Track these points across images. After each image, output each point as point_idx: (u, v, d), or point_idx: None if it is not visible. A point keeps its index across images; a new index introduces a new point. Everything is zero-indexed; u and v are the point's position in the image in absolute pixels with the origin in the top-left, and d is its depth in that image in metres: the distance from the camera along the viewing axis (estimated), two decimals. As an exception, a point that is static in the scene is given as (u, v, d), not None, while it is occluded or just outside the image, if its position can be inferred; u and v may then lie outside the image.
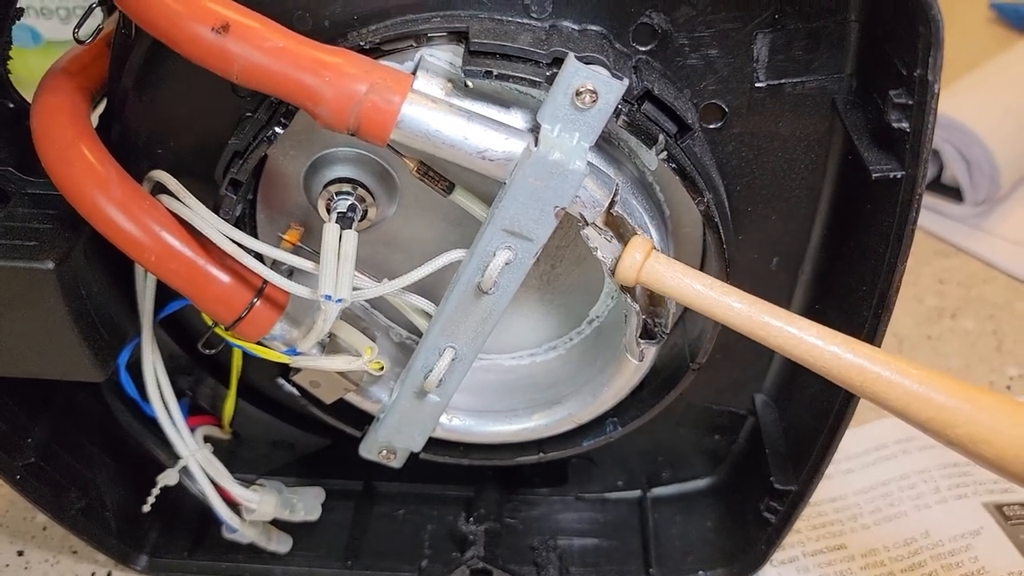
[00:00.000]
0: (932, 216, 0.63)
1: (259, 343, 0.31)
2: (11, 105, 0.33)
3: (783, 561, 0.40)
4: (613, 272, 0.29)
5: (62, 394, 0.37)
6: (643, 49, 0.28)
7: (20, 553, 0.39)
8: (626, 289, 0.30)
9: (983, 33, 0.92)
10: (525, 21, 0.27)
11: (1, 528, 0.40)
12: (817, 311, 0.34)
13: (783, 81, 0.29)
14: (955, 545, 0.40)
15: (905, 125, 0.26)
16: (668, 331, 0.31)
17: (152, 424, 0.37)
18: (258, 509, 0.35)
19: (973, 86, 0.66)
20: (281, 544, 0.38)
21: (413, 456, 0.36)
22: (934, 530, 0.41)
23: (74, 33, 0.30)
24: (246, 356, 0.36)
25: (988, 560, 0.39)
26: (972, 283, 0.58)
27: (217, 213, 0.30)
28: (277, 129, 0.28)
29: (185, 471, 0.36)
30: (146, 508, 0.37)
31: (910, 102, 0.25)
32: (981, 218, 0.62)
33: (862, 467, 0.44)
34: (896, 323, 0.54)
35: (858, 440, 0.45)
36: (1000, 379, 0.51)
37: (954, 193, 0.62)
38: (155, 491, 0.36)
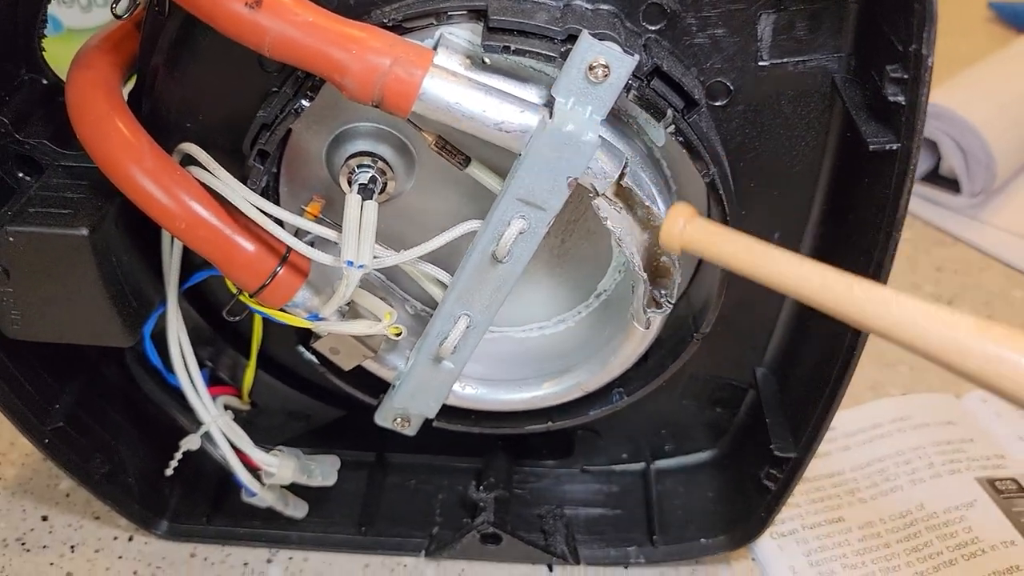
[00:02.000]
0: (930, 206, 0.64)
1: (282, 310, 0.33)
2: (45, 82, 0.35)
3: (783, 533, 0.41)
4: (620, 242, 0.30)
5: (87, 362, 0.38)
6: (652, 28, 0.29)
7: (44, 518, 0.41)
8: (652, 259, 0.30)
9: (982, 32, 0.93)
10: (540, 0, 0.29)
11: (26, 495, 0.42)
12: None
13: (785, 60, 0.30)
14: (949, 516, 0.41)
15: (901, 99, 0.27)
16: (673, 301, 0.32)
17: (174, 392, 0.39)
18: (277, 473, 0.37)
19: (971, 81, 0.67)
20: (297, 510, 0.39)
21: (426, 424, 0.37)
22: (928, 503, 0.42)
23: (112, 8, 0.31)
24: (266, 327, 0.38)
25: (981, 530, 0.41)
26: (969, 271, 0.59)
27: (245, 184, 0.31)
28: (304, 102, 0.30)
29: (206, 437, 0.37)
30: (169, 471, 0.38)
31: (906, 76, 0.27)
32: (978, 208, 0.63)
33: (858, 444, 0.45)
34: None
35: (855, 419, 0.47)
36: (994, 363, 0.52)
37: (952, 184, 0.64)
38: (178, 455, 0.37)
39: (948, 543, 0.40)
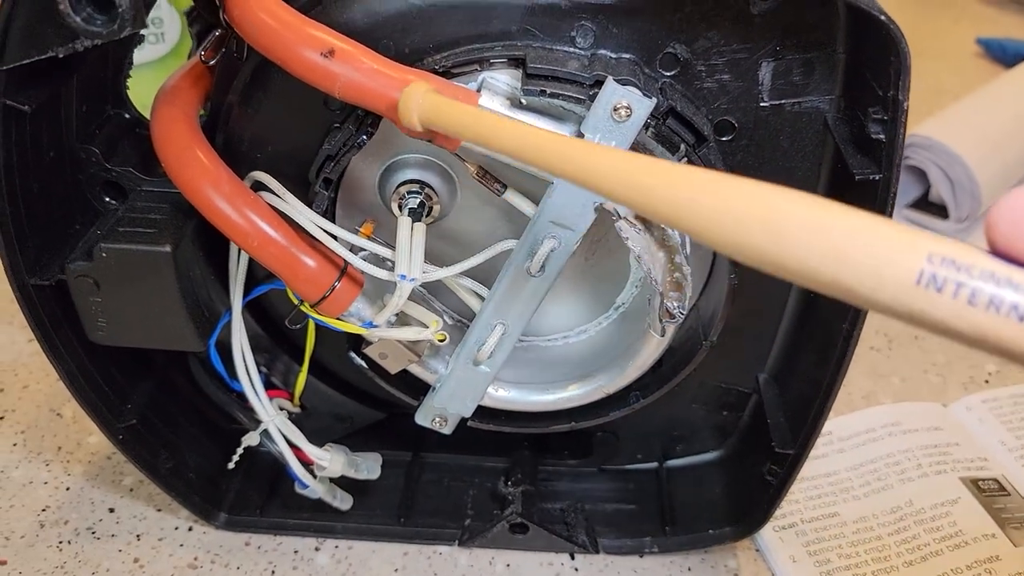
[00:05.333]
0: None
1: (338, 318, 0.37)
2: (127, 116, 0.39)
3: (783, 527, 0.45)
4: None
5: (156, 366, 0.43)
6: (668, 74, 0.34)
7: (111, 510, 0.45)
8: (667, 274, 0.34)
9: (971, 66, 0.98)
10: (571, 50, 0.33)
11: (94, 489, 0.45)
12: (810, 301, 0.39)
13: (783, 101, 0.34)
14: (935, 512, 0.45)
15: (882, 136, 0.31)
16: (685, 311, 0.36)
17: (233, 394, 0.43)
18: (328, 467, 0.41)
19: (958, 114, 0.72)
20: (344, 502, 0.43)
21: (462, 424, 0.41)
22: (917, 500, 0.46)
23: (200, 56, 0.36)
24: (318, 336, 0.42)
25: (964, 524, 0.44)
26: (956, 292, 0.63)
27: (310, 207, 0.35)
28: (364, 137, 0.34)
29: (265, 435, 0.41)
30: (231, 465, 0.42)
31: (886, 117, 0.31)
32: (965, 233, 0.68)
33: (853, 447, 0.49)
34: (886, 324, 0.59)
35: (850, 424, 0.51)
36: (979, 374, 0.56)
37: (940, 210, 0.68)
38: (239, 450, 0.42)
39: (934, 535, 0.44)
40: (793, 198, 0.18)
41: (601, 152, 0.21)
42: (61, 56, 0.30)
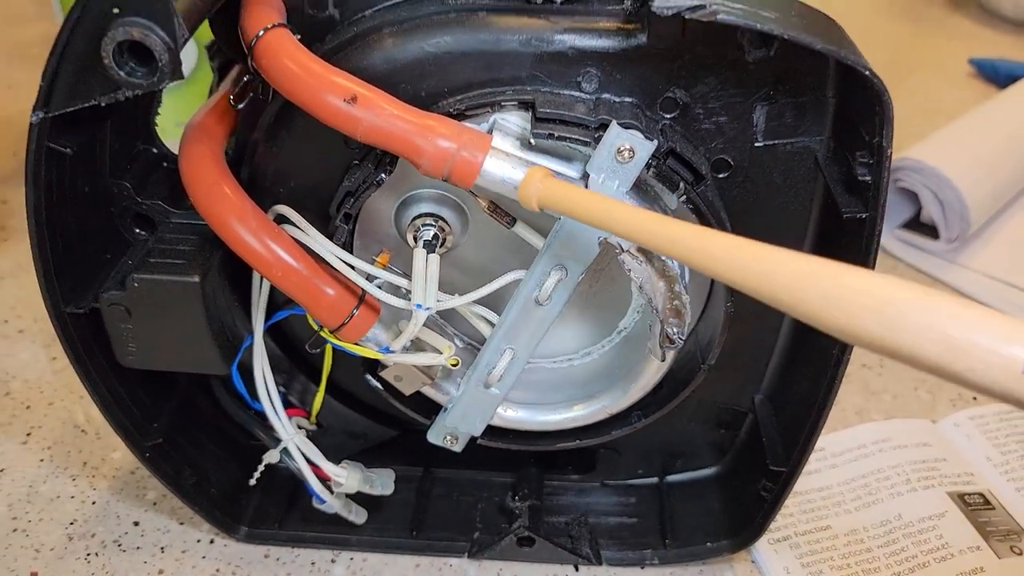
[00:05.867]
0: (912, 250, 0.71)
1: (356, 343, 0.39)
2: (155, 151, 0.41)
3: (778, 539, 0.47)
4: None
5: (180, 388, 0.45)
6: (668, 116, 0.36)
7: (136, 523, 0.47)
8: (667, 302, 0.37)
9: (965, 86, 1.01)
10: (578, 94, 0.35)
11: (119, 504, 0.48)
12: (803, 328, 0.41)
13: (777, 142, 0.36)
14: (923, 525, 0.47)
15: (868, 178, 0.34)
16: (684, 337, 0.39)
17: (254, 414, 0.45)
18: (345, 483, 0.43)
19: (949, 136, 0.74)
20: (359, 516, 0.45)
21: (471, 442, 0.43)
22: (905, 514, 0.48)
23: (230, 99, 0.38)
24: (334, 358, 0.44)
25: (951, 538, 0.47)
26: (946, 310, 0.66)
27: (330, 239, 0.38)
28: (383, 176, 0.36)
29: (284, 452, 0.43)
30: (252, 481, 0.44)
31: (871, 161, 0.33)
32: (955, 253, 0.70)
33: (845, 463, 0.51)
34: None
35: (843, 441, 0.53)
36: (968, 392, 0.58)
37: (931, 230, 0.70)
38: (261, 467, 0.44)
39: (922, 548, 0.46)
40: (905, 288, 0.19)
41: (715, 238, 0.23)
42: (103, 105, 0.32)
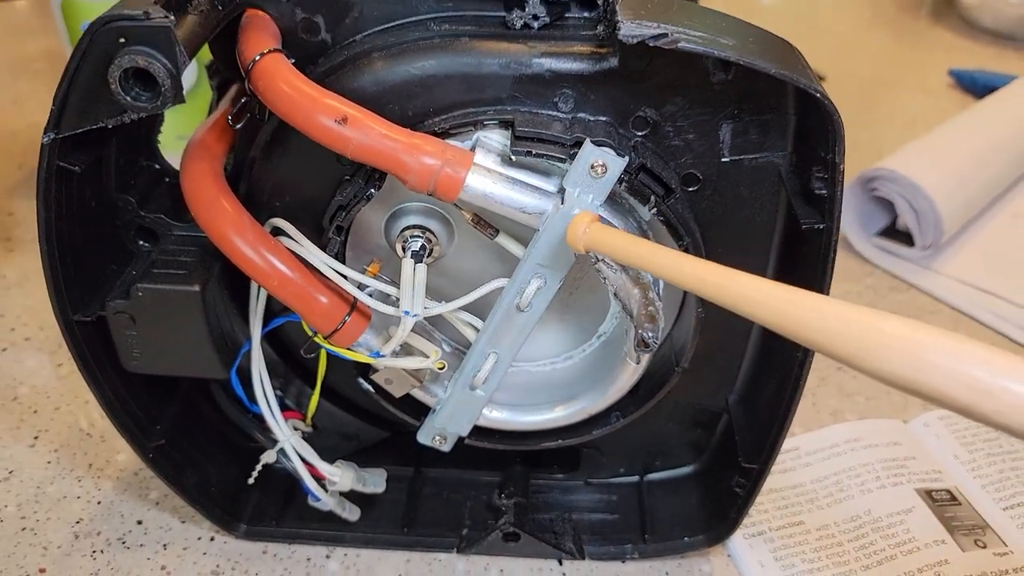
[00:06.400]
0: (888, 257, 0.73)
1: (348, 348, 0.41)
2: (157, 166, 0.44)
3: (753, 534, 0.49)
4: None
5: (181, 391, 0.47)
6: (639, 134, 0.38)
7: (139, 522, 0.49)
8: (642, 308, 0.39)
9: (943, 97, 1.03)
10: (555, 114, 0.38)
11: (123, 503, 0.50)
12: (768, 335, 0.44)
13: (742, 157, 0.39)
14: (891, 520, 0.49)
15: (824, 192, 0.36)
16: (659, 342, 0.41)
17: (251, 416, 0.48)
18: (339, 482, 0.45)
19: (924, 147, 0.76)
20: (352, 514, 0.47)
21: (459, 442, 0.46)
22: (875, 509, 0.50)
23: (228, 119, 0.40)
24: (328, 363, 0.46)
25: (918, 532, 0.49)
26: (921, 314, 0.68)
27: (323, 250, 0.40)
28: (372, 190, 0.39)
29: (281, 452, 0.45)
30: (251, 480, 0.46)
31: (826, 176, 0.36)
32: (929, 259, 0.72)
33: (818, 461, 0.54)
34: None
35: (814, 440, 0.55)
36: (938, 393, 0.60)
37: (906, 238, 0.73)
38: (258, 467, 0.46)
39: (890, 542, 0.48)
40: (937, 335, 0.20)
41: (756, 284, 0.25)
42: (110, 127, 0.34)
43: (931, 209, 0.70)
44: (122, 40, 0.32)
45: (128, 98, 0.33)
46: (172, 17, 0.32)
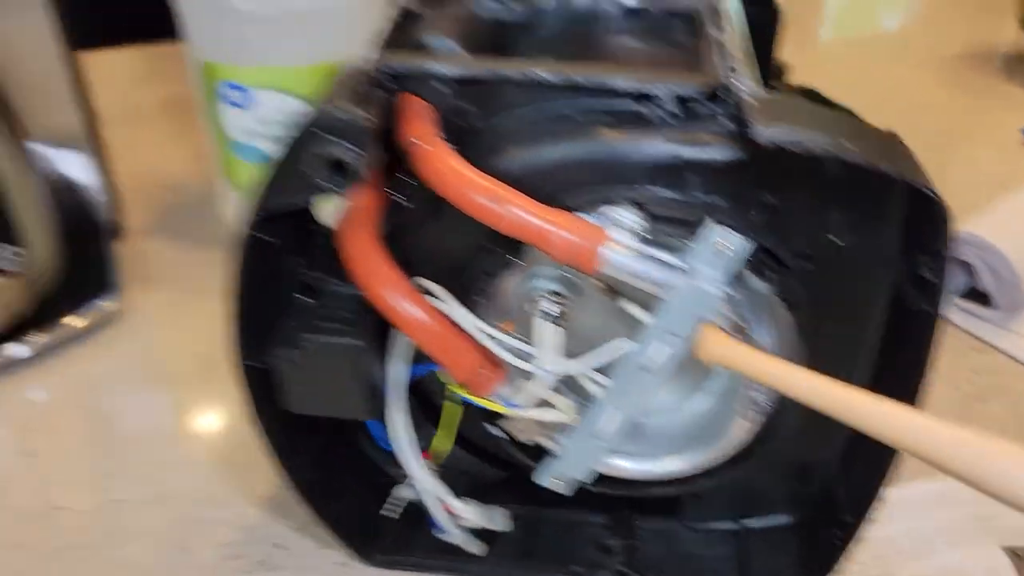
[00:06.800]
0: (968, 318, 0.76)
1: (485, 398, 0.46)
2: (316, 226, 0.49)
3: (845, 583, 0.52)
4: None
5: (323, 428, 0.52)
6: (759, 216, 0.42)
7: (282, 547, 0.54)
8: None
9: (1015, 155, 1.05)
10: (682, 197, 0.42)
11: (267, 528, 0.55)
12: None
13: (853, 239, 0.43)
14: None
15: (931, 278, 0.40)
16: (769, 402, 0.45)
17: (387, 453, 0.53)
18: (469, 518, 0.50)
19: (1000, 209, 0.79)
20: (477, 548, 0.52)
21: (576, 485, 0.50)
22: (961, 564, 0.53)
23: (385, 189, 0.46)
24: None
25: (1004, 587, 0.51)
26: (1001, 374, 0.70)
27: (467, 310, 0.45)
28: (514, 259, 0.43)
29: (413, 488, 0.50)
30: (386, 512, 0.51)
31: (934, 265, 0.39)
32: (1009, 320, 0.75)
33: (908, 515, 0.57)
34: (935, 404, 0.66)
35: (906, 495, 0.58)
36: (1021, 453, 0.63)
37: (986, 299, 0.75)
38: (394, 500, 0.51)
39: (976, 595, 0.51)
40: None
41: (889, 409, 0.30)
42: (303, 205, 0.40)
43: (1010, 272, 0.72)
44: (328, 136, 0.37)
45: (320, 180, 0.39)
46: (370, 117, 0.37)
